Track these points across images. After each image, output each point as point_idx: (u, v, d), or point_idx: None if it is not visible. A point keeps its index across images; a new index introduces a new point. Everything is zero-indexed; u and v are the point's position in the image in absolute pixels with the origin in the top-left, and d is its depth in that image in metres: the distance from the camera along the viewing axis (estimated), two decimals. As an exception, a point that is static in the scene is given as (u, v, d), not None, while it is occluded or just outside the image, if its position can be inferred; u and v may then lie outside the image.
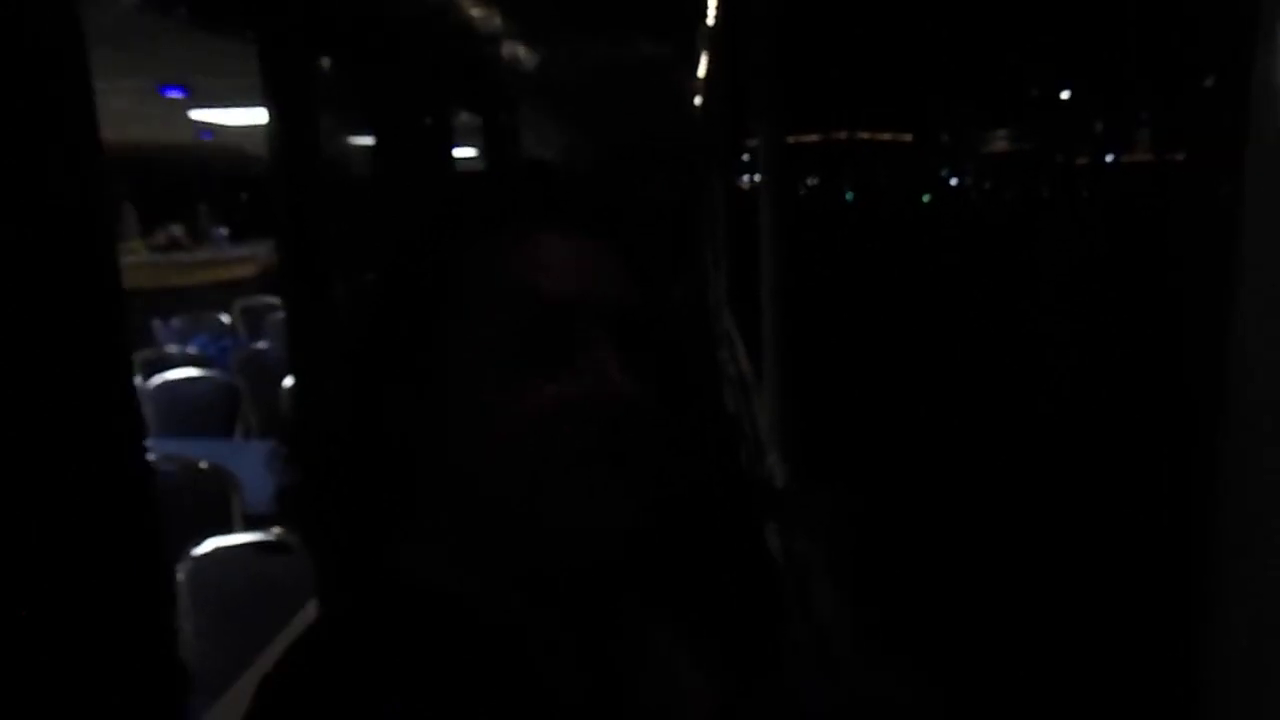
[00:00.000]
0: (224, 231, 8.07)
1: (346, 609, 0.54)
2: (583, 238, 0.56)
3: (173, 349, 4.75)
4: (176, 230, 7.30)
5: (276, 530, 1.95)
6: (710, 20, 4.70)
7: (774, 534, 1.98)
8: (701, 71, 5.68)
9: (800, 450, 2.54)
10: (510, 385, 0.51)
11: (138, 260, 6.49)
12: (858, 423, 5.66)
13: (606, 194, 1.02)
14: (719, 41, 4.58)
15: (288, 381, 3.36)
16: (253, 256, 6.63)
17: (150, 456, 2.80)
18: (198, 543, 2.26)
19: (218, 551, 2.22)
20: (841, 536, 1.33)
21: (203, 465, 3.02)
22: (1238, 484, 0.31)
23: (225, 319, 5.64)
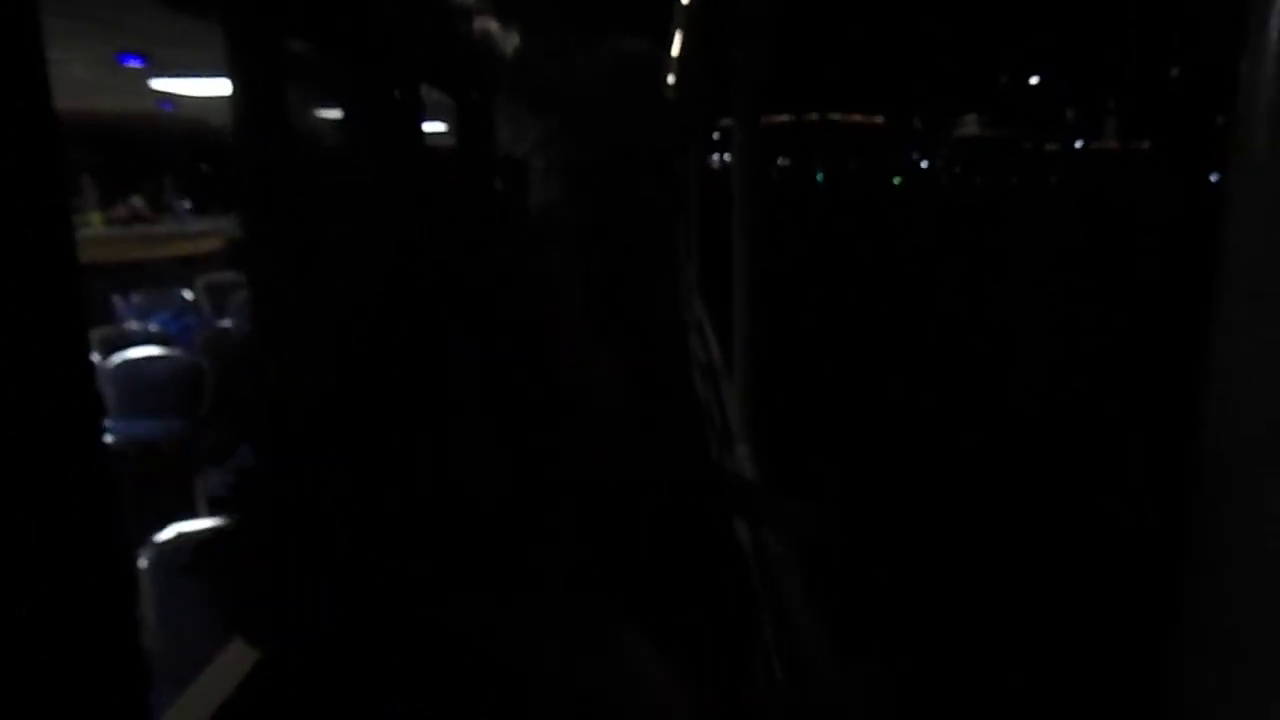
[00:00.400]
0: (186, 204, 7.89)
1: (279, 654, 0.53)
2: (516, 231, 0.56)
3: (133, 326, 4.63)
4: (137, 202, 7.12)
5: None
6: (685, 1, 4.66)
7: (744, 528, 1.98)
8: (675, 52, 5.64)
9: (770, 442, 2.54)
10: (475, 432, 0.50)
11: (96, 233, 6.32)
12: (827, 411, 5.71)
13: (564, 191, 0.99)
14: (694, 21, 4.54)
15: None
16: (216, 230, 6.49)
17: (109, 439, 2.75)
18: (160, 528, 2.22)
19: (181, 538, 2.19)
20: (812, 536, 1.33)
21: (163, 447, 2.96)
22: (1213, 479, 0.31)
23: (188, 295, 5.52)
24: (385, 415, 0.50)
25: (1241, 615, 0.29)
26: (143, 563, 2.23)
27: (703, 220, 5.02)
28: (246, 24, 2.13)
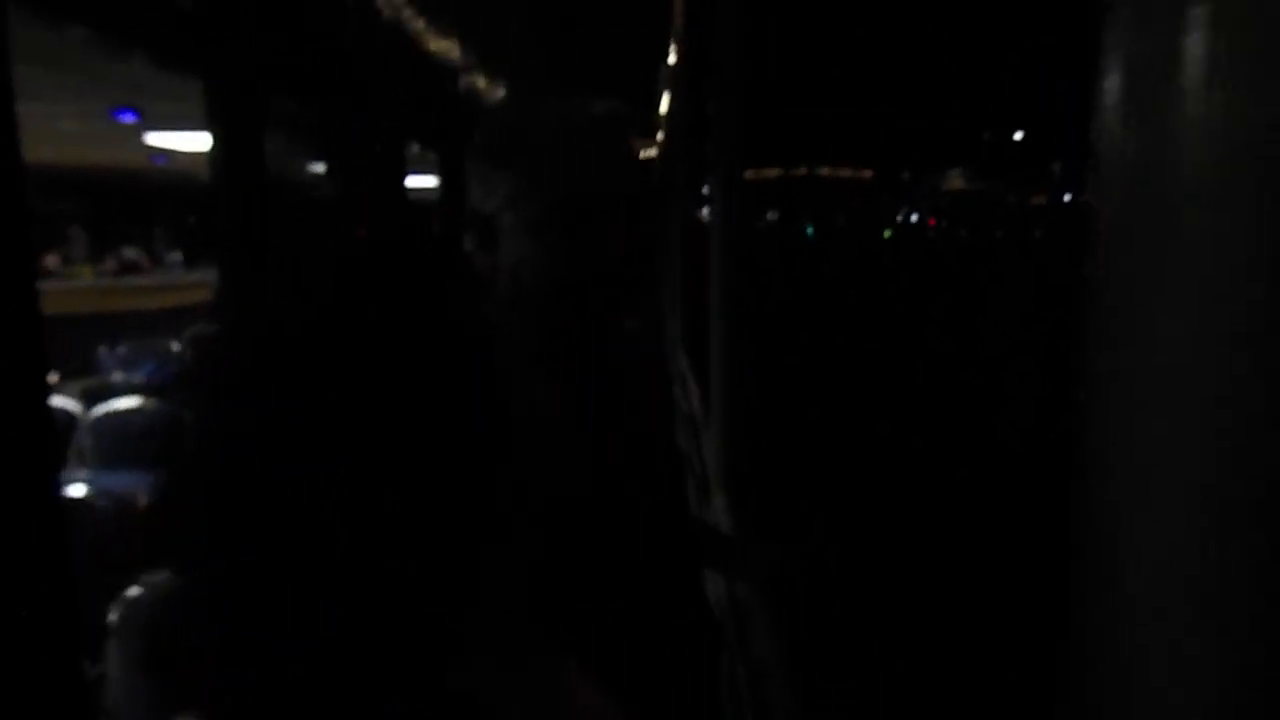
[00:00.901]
0: (177, 256, 7.94)
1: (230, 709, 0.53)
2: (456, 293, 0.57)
3: (118, 377, 4.62)
4: (131, 253, 7.16)
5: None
6: (673, 59, 4.78)
7: (716, 579, 1.97)
8: (664, 109, 5.76)
9: (745, 494, 2.54)
10: (353, 471, 0.50)
11: (84, 284, 6.34)
12: (809, 462, 5.69)
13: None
14: (680, 80, 4.64)
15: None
16: (205, 282, 6.52)
17: (79, 490, 2.69)
18: (131, 583, 2.19)
19: (150, 593, 2.15)
20: (784, 586, 1.33)
21: (141, 501, 2.93)
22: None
23: (176, 346, 5.51)
24: (347, 466, 0.50)
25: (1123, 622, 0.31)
26: (111, 618, 2.19)
27: (688, 273, 5.08)
28: (229, 82, 2.18)
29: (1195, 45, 0.28)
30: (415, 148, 4.26)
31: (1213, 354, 0.28)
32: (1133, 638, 0.30)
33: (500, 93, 4.31)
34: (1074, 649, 0.33)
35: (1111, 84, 0.31)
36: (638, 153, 1.07)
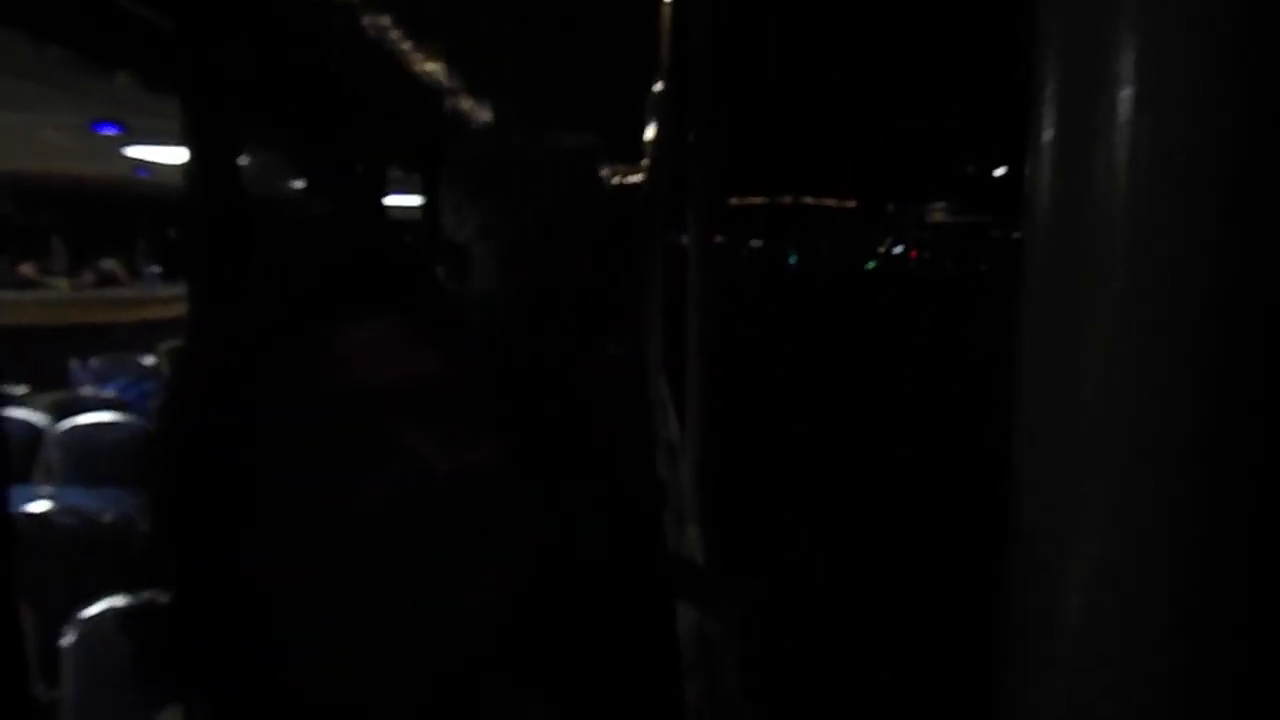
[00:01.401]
0: (156, 270, 7.87)
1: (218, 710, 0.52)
2: (418, 320, 0.56)
3: (88, 391, 4.56)
4: (108, 265, 7.11)
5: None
6: (659, 88, 4.82)
7: (686, 610, 1.96)
8: (649, 136, 5.81)
9: (719, 525, 2.53)
10: (329, 486, 0.50)
11: (60, 296, 6.28)
12: (782, 493, 5.69)
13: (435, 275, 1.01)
14: (666, 107, 4.69)
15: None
16: (182, 296, 6.43)
17: (41, 507, 2.64)
18: (92, 603, 2.15)
19: (107, 613, 2.11)
20: (754, 621, 1.33)
21: (106, 519, 2.88)
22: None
23: (149, 361, 5.45)
24: (315, 478, 0.50)
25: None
26: (67, 640, 2.14)
27: (670, 299, 5.10)
28: (207, 100, 2.18)
29: (1123, 73, 0.29)
30: (397, 169, 4.27)
31: (1136, 378, 0.29)
32: (1061, 634, 0.31)
33: (486, 116, 4.33)
34: (1005, 643, 0.34)
35: (1041, 118, 0.33)
36: (609, 185, 1.08)
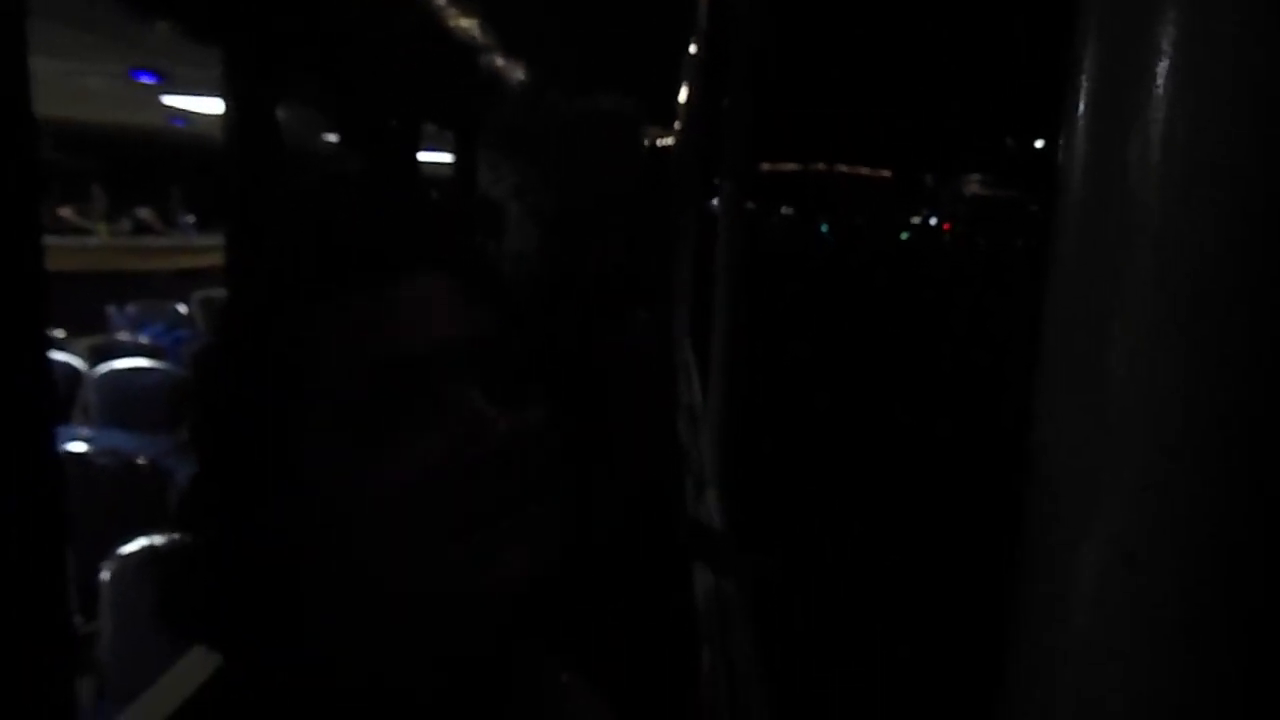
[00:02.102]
0: (191, 219, 7.95)
1: (250, 670, 0.53)
2: (457, 281, 0.55)
3: (125, 337, 4.64)
4: (144, 213, 7.19)
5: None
6: (693, 50, 4.76)
7: (703, 574, 1.98)
8: (682, 99, 5.74)
9: (738, 491, 2.55)
10: (377, 448, 0.50)
11: (99, 242, 6.37)
12: (802, 461, 5.67)
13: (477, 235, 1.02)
14: (700, 71, 4.63)
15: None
16: (216, 246, 6.51)
17: (80, 448, 2.72)
18: (128, 541, 2.22)
19: (145, 551, 2.18)
20: (767, 589, 1.34)
21: (141, 461, 2.95)
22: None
23: (183, 309, 5.54)
24: (332, 437, 0.50)
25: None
26: (105, 575, 2.22)
27: (699, 265, 5.07)
28: (249, 52, 2.19)
29: (1162, 60, 0.29)
30: (429, 126, 4.26)
31: (1161, 367, 0.29)
32: (1073, 629, 0.31)
33: (519, 77, 4.30)
34: (1017, 637, 0.34)
35: (1078, 97, 0.32)
36: (645, 149, 1.08)
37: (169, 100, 5.36)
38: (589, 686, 0.66)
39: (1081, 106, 0.33)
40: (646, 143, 1.08)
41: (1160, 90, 0.29)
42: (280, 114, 2.20)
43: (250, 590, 0.52)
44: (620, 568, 1.00)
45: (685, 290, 5.20)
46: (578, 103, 1.00)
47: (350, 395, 0.50)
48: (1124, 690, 0.29)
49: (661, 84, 5.92)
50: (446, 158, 5.01)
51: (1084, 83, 0.32)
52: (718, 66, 3.62)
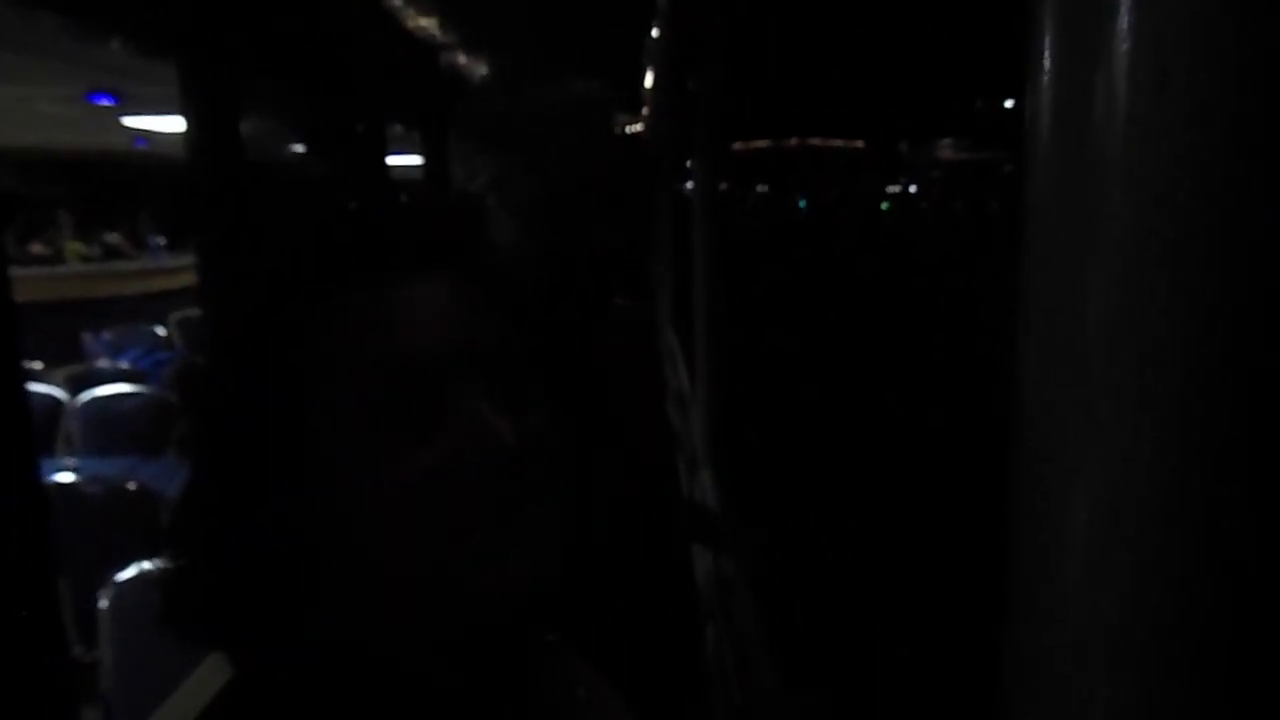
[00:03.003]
0: (161, 241, 7.86)
1: (258, 672, 0.53)
2: (453, 282, 0.55)
3: (104, 363, 4.60)
4: (113, 238, 7.10)
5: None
6: (656, 33, 4.73)
7: (703, 554, 1.99)
8: (649, 84, 5.71)
9: (730, 469, 2.56)
10: (379, 450, 0.50)
11: (69, 270, 6.30)
12: (793, 438, 5.69)
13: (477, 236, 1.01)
14: (663, 55, 4.61)
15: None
16: (189, 266, 6.46)
17: (67, 478, 2.69)
18: (123, 568, 2.21)
19: (141, 576, 2.17)
20: (767, 563, 1.35)
21: (130, 486, 2.93)
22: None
23: (161, 332, 5.49)
24: (335, 440, 0.50)
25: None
26: (103, 603, 2.21)
27: (677, 250, 5.07)
28: (206, 63, 2.15)
29: (1125, 27, 0.28)
30: (398, 127, 4.23)
31: (1138, 348, 0.29)
32: (1067, 630, 0.31)
33: (484, 71, 4.27)
34: (1010, 635, 0.34)
35: (1041, 65, 0.32)
36: (622, 134, 1.07)
37: (129, 121, 5.30)
38: (598, 675, 0.66)
39: (1046, 60, 0.32)
40: (618, 129, 1.07)
41: (1124, 27, 0.29)
42: (247, 124, 2.18)
43: (255, 593, 0.52)
44: (622, 556, 0.99)
45: (666, 277, 5.20)
46: (548, 89, 0.98)
47: (356, 396, 0.50)
48: (1119, 637, 0.30)
49: (626, 71, 5.89)
50: (414, 160, 4.99)
51: (1046, 29, 0.32)
52: (682, 49, 3.60)
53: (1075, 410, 0.31)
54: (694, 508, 2.35)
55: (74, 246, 6.42)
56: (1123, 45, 0.29)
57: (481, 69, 4.14)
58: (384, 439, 0.50)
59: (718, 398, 2.74)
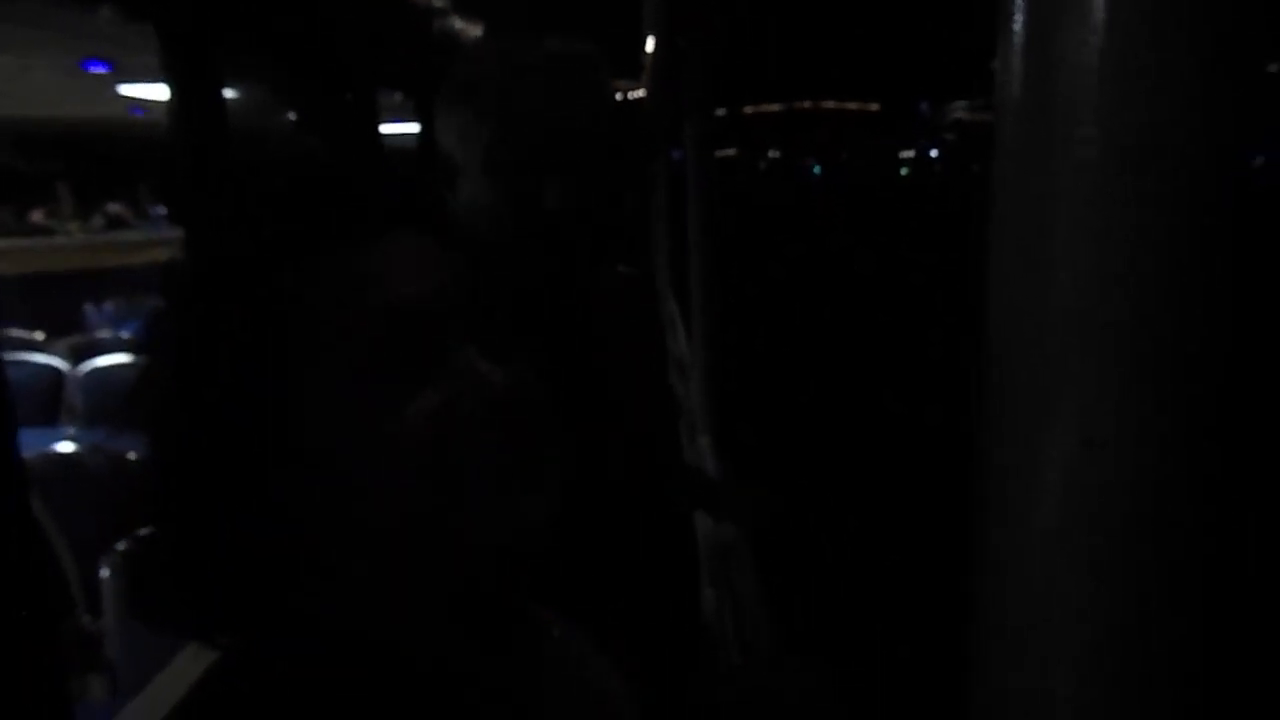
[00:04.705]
0: (162, 210, 7.85)
1: (245, 649, 0.52)
2: (437, 238, 0.54)
3: (105, 334, 4.62)
4: (115, 208, 7.10)
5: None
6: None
7: (701, 519, 1.98)
8: (648, 50, 5.62)
9: (729, 434, 2.55)
10: (376, 402, 0.49)
11: (71, 241, 6.30)
12: (792, 407, 5.67)
13: (459, 192, 0.98)
14: (659, 18, 4.53)
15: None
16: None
17: (69, 448, 2.70)
18: (125, 538, 2.23)
19: (143, 543, 2.19)
20: (766, 526, 1.36)
21: (132, 456, 2.95)
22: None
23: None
24: (327, 393, 0.49)
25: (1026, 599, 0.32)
26: (105, 573, 2.23)
27: (676, 215, 5.02)
28: (190, 28, 2.13)
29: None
30: (392, 96, 4.18)
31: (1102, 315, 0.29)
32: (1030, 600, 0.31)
33: (479, 34, 4.21)
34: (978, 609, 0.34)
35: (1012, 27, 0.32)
36: (614, 93, 1.04)
37: (124, 90, 5.26)
38: (590, 639, 0.66)
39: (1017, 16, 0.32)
40: (615, 93, 1.04)
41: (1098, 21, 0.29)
42: (229, 91, 2.15)
43: (249, 570, 0.51)
44: (620, 515, 0.99)
45: (665, 242, 5.16)
46: (533, 47, 0.95)
47: (349, 348, 0.49)
48: (1088, 580, 0.30)
49: (626, 35, 5.80)
50: (414, 128, 4.94)
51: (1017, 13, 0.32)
52: (678, 8, 3.53)
53: (1036, 399, 0.31)
54: (694, 473, 2.34)
55: (74, 226, 6.40)
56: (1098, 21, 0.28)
57: (473, 34, 4.07)
58: (377, 390, 0.49)
59: (716, 362, 2.72)
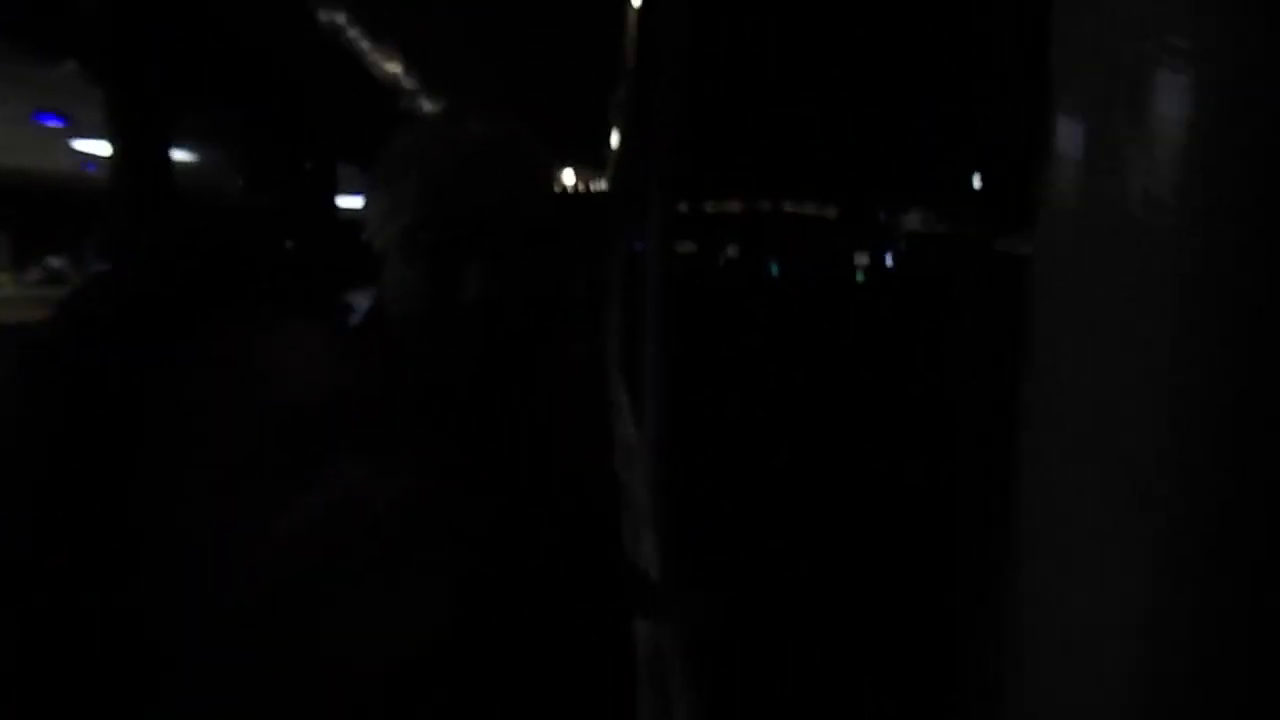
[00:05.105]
0: (105, 265, 7.68)
1: None
2: (347, 329, 0.52)
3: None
4: (55, 262, 6.93)
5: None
6: (620, 94, 4.78)
7: (640, 622, 1.91)
8: (614, 142, 5.76)
9: (676, 529, 2.47)
10: (242, 509, 0.44)
11: (5, 294, 6.09)
12: (741, 508, 5.61)
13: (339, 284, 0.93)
14: (629, 113, 4.65)
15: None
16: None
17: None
18: None
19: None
20: (707, 632, 1.32)
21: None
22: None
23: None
24: (233, 500, 0.46)
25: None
26: None
27: (629, 304, 5.04)
28: (141, 94, 2.08)
29: (1157, 94, 0.27)
30: (354, 168, 4.18)
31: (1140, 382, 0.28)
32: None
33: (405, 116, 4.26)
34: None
35: (1067, 127, 0.31)
36: (549, 175, 1.01)
37: (78, 145, 5.19)
38: None
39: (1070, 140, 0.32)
40: (550, 176, 1.02)
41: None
42: (176, 153, 2.10)
43: (79, 684, 0.45)
44: (552, 611, 0.92)
45: (617, 329, 5.18)
46: (454, 125, 0.92)
47: (223, 447, 0.45)
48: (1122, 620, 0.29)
49: (591, 128, 5.95)
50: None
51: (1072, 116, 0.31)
52: (644, 108, 3.61)
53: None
54: (635, 573, 2.24)
55: (4, 278, 6.21)
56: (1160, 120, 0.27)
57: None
58: (246, 497, 0.44)
59: (665, 459, 2.66)
